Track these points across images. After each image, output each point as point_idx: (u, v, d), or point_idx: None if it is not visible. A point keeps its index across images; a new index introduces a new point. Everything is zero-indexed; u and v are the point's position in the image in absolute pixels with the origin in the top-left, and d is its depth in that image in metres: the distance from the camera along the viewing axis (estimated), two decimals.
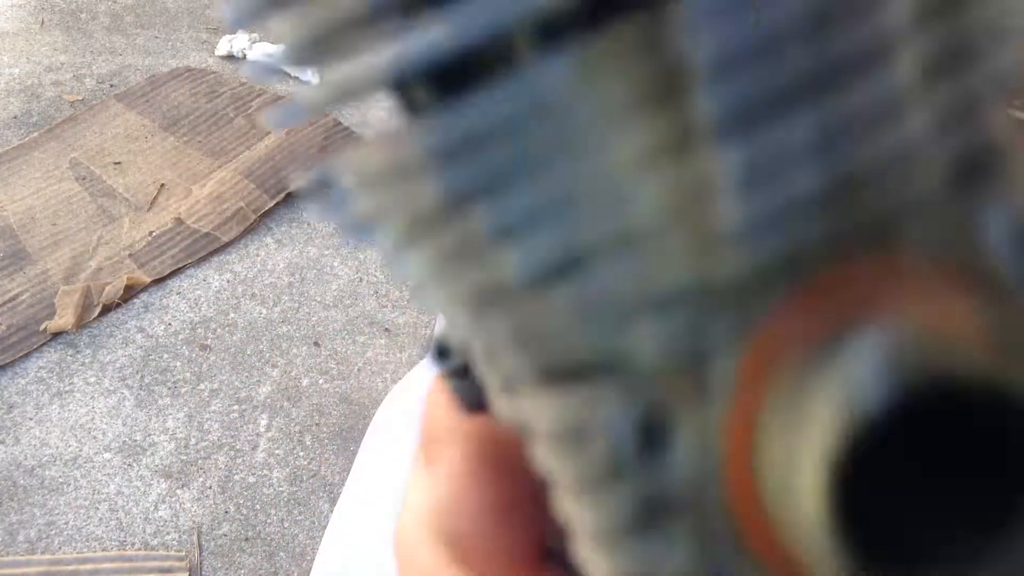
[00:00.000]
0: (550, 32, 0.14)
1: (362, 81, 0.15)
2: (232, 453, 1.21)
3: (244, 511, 1.16)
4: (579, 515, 0.16)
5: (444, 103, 0.15)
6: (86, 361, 1.31)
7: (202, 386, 1.29)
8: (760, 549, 0.15)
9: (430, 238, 0.15)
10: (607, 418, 0.15)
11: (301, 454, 1.22)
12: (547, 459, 0.16)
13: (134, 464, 1.20)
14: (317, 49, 0.16)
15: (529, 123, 0.14)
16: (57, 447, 1.21)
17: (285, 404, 1.27)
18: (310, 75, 1.79)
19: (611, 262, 0.14)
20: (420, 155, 0.15)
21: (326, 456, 1.22)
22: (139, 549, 1.12)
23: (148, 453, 1.21)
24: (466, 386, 0.21)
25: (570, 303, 0.15)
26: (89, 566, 1.10)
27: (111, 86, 1.77)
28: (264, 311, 1.39)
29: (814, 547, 0.13)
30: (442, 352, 0.22)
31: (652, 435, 0.15)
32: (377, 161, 0.16)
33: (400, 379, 1.26)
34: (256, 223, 1.50)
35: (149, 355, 1.32)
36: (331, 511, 1.16)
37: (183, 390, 1.28)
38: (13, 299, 1.36)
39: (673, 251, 0.14)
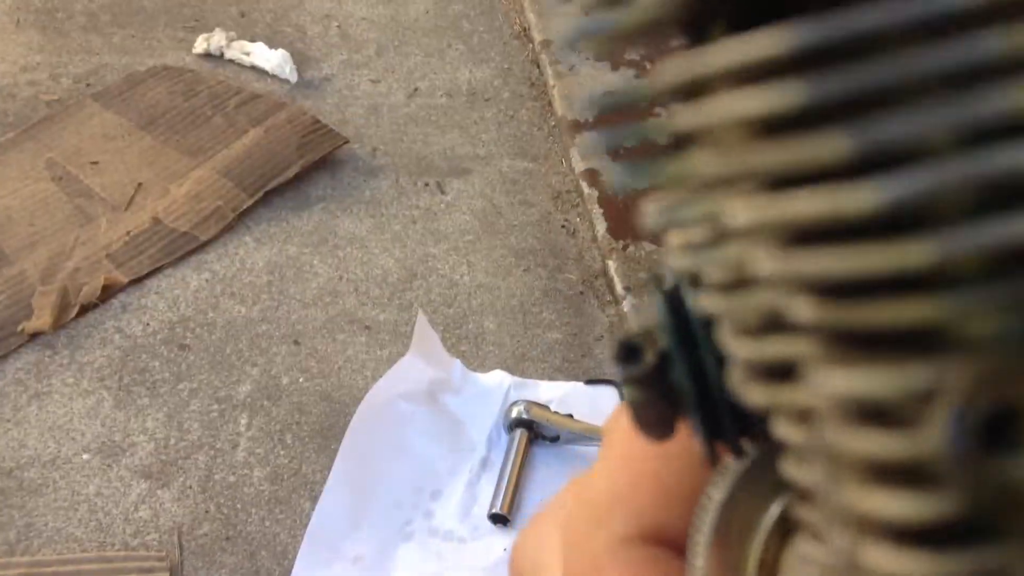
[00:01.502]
0: None
1: None
2: (212, 453, 1.21)
3: (225, 510, 1.16)
4: (881, 506, 0.14)
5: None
6: (64, 362, 1.30)
7: (181, 386, 1.28)
8: None
9: (763, 155, 0.14)
10: (946, 396, 0.13)
11: (282, 453, 1.22)
12: (845, 438, 0.14)
13: (113, 465, 1.20)
14: None
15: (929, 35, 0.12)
16: (36, 448, 1.21)
17: (265, 403, 1.27)
18: (288, 72, 1.79)
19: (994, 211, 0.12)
20: (785, 55, 0.13)
21: (307, 454, 1.22)
22: (119, 550, 1.12)
23: (127, 453, 1.21)
24: (652, 397, 0.19)
25: (926, 254, 0.13)
26: (69, 567, 1.10)
27: (88, 85, 1.76)
28: (243, 310, 1.39)
29: None
30: (631, 352, 0.19)
31: (998, 426, 0.13)
32: (719, 62, 0.14)
33: (380, 376, 1.26)
34: (234, 222, 1.50)
35: (127, 355, 1.31)
36: (312, 509, 1.16)
37: (162, 390, 1.28)
38: None
39: None
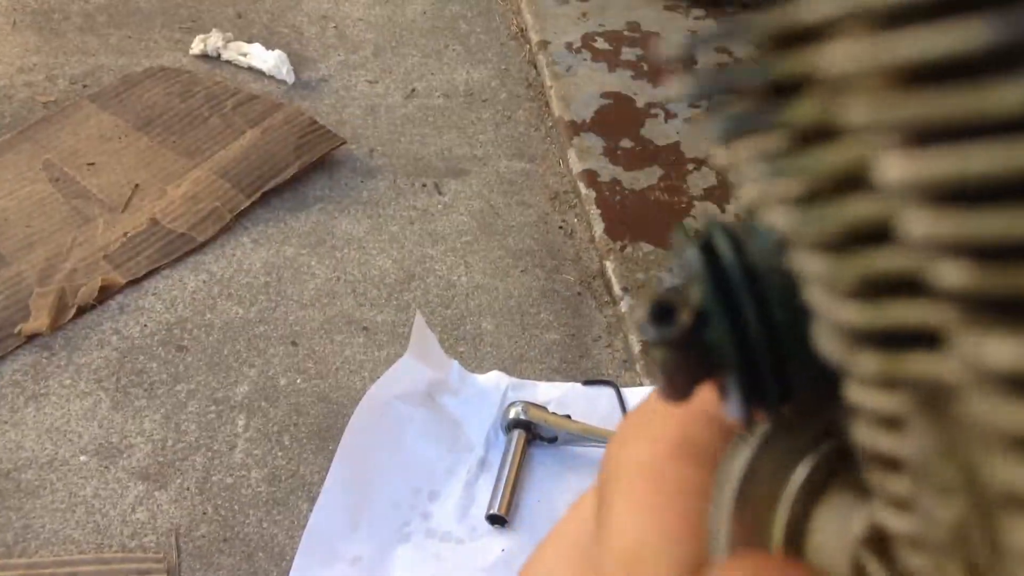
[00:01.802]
0: None
1: None
2: (210, 454, 1.21)
3: (222, 512, 1.16)
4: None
5: None
6: (61, 363, 1.30)
7: (179, 387, 1.28)
8: None
9: (939, 100, 0.12)
10: None
11: (279, 454, 1.22)
12: (996, 410, 0.13)
13: (111, 466, 1.19)
14: None
15: None
16: (33, 450, 1.20)
17: (263, 404, 1.27)
18: (285, 73, 1.78)
19: None
20: None
21: (304, 456, 1.22)
22: (117, 551, 1.12)
23: (125, 455, 1.21)
24: (684, 359, 0.17)
25: None
26: (67, 569, 1.10)
27: (84, 87, 1.75)
28: (241, 311, 1.38)
29: None
30: (664, 312, 0.17)
31: None
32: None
33: (378, 377, 1.26)
34: (232, 223, 1.50)
35: (125, 356, 1.31)
36: (310, 510, 1.15)
37: (159, 391, 1.28)
38: None
39: None
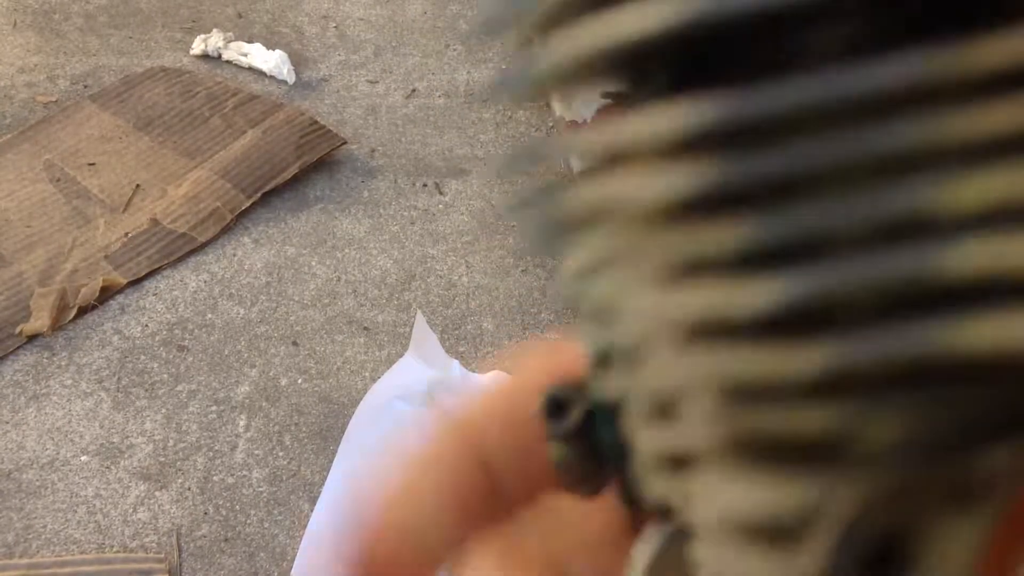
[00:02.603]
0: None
1: (596, 52, 0.12)
2: (211, 454, 1.21)
3: (223, 512, 1.16)
4: None
5: (724, 80, 0.12)
6: (62, 364, 1.30)
7: (180, 387, 1.28)
8: None
9: (665, 241, 0.13)
10: (831, 519, 0.12)
11: (280, 454, 1.22)
12: (722, 555, 0.13)
13: (112, 466, 1.19)
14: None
15: (840, 122, 0.11)
16: (34, 450, 1.20)
17: (264, 404, 1.27)
18: (285, 73, 1.78)
19: (895, 314, 0.11)
20: (690, 134, 0.12)
21: (305, 456, 1.22)
22: (118, 551, 1.12)
23: (126, 455, 1.21)
24: (578, 455, 0.17)
25: (823, 360, 0.12)
26: (68, 569, 1.10)
27: (85, 87, 1.75)
28: (242, 311, 1.38)
29: None
30: (558, 406, 0.17)
31: (886, 549, 0.12)
32: (625, 138, 0.13)
33: (379, 378, 1.26)
34: (233, 223, 1.50)
35: (126, 357, 1.31)
36: (311, 511, 1.15)
37: (161, 391, 1.28)
38: None
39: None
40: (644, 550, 0.18)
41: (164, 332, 1.35)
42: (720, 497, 0.13)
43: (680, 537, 0.18)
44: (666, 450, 0.14)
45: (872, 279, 0.11)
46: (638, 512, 0.18)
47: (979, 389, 0.11)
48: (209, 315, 1.38)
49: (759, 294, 0.12)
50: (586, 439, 0.17)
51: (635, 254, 0.13)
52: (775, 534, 0.12)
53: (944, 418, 0.12)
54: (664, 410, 0.14)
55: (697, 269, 0.12)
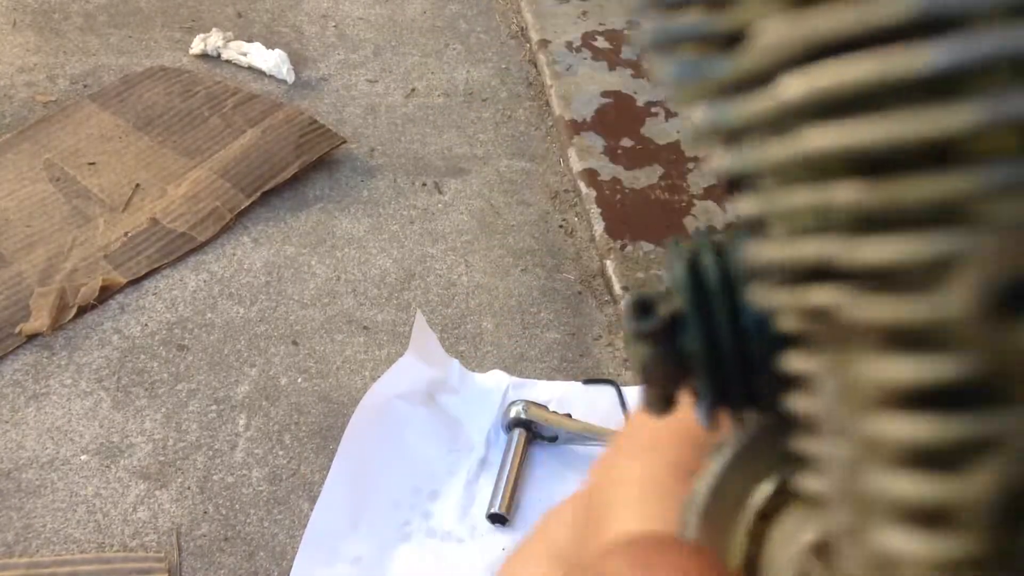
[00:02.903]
0: None
1: None
2: (211, 453, 1.21)
3: (223, 511, 1.16)
4: (898, 370, 0.14)
5: None
6: (62, 363, 1.30)
7: (180, 386, 1.28)
8: None
9: (831, 15, 0.13)
10: (975, 266, 0.13)
11: (280, 453, 1.22)
12: (866, 308, 0.14)
13: (112, 466, 1.20)
14: None
15: None
16: (34, 450, 1.20)
17: (263, 403, 1.27)
18: (285, 72, 1.78)
19: None
20: None
21: (305, 455, 1.22)
22: (118, 551, 1.12)
23: (126, 454, 1.21)
24: (661, 356, 0.19)
25: (970, 116, 0.13)
26: (67, 568, 1.10)
27: (84, 86, 1.76)
28: (241, 310, 1.38)
29: None
30: (644, 308, 0.19)
31: (1019, 294, 0.13)
32: None
33: (378, 377, 1.26)
34: (232, 222, 1.50)
35: (126, 356, 1.31)
36: (311, 510, 1.16)
37: (160, 391, 1.28)
38: None
39: None
40: (705, 476, 0.19)
41: (164, 331, 1.35)
42: (861, 253, 0.14)
43: (737, 464, 0.19)
44: (802, 256, 0.14)
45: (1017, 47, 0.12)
46: (715, 415, 0.19)
47: None
48: (209, 314, 1.38)
49: (925, 57, 0.12)
50: (669, 342, 0.18)
51: (798, 35, 0.14)
52: (916, 283, 0.13)
53: None
54: (810, 223, 0.14)
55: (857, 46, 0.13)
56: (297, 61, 1.84)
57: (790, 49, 0.14)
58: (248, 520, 1.15)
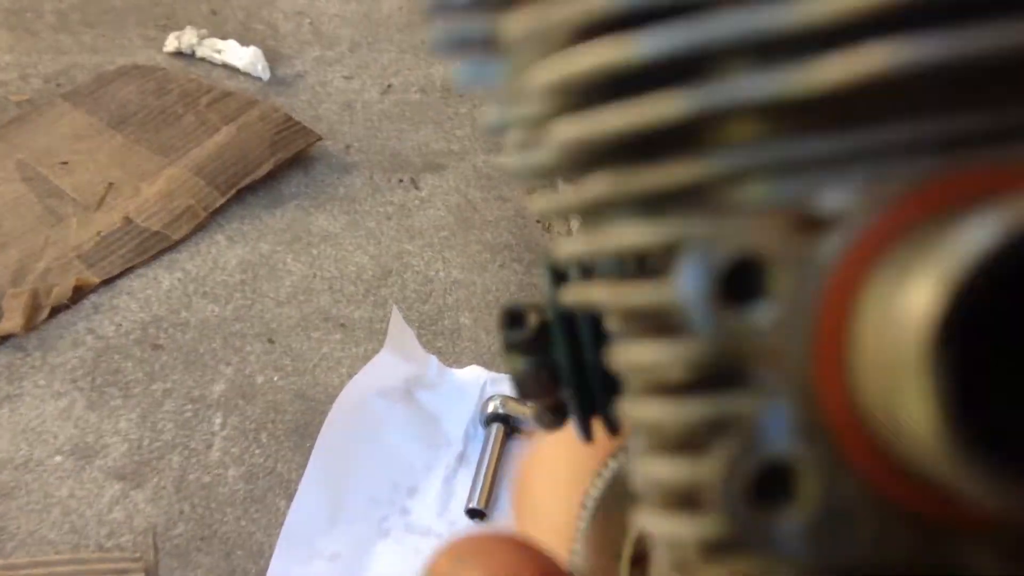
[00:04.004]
0: None
1: None
2: (186, 453, 1.20)
3: (199, 511, 1.15)
4: (635, 356, 0.14)
5: None
6: (36, 364, 1.29)
7: (155, 386, 1.27)
8: (837, 429, 0.13)
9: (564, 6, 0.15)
10: (690, 249, 0.13)
11: (257, 452, 1.21)
12: (612, 295, 0.15)
13: (86, 466, 1.19)
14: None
15: None
16: (7, 451, 1.19)
17: (240, 402, 1.26)
18: (260, 69, 1.78)
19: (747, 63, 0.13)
20: None
21: (282, 453, 1.21)
22: (93, 551, 1.11)
23: (101, 455, 1.20)
24: (533, 366, 0.19)
25: (684, 104, 0.13)
26: (43, 570, 1.09)
27: (58, 85, 1.74)
28: (216, 309, 1.38)
29: (910, 424, 0.12)
30: (514, 319, 0.19)
31: (742, 277, 0.13)
32: None
33: (355, 374, 1.25)
34: (207, 220, 1.49)
35: (100, 356, 1.30)
36: (288, 508, 1.15)
37: (135, 391, 1.27)
38: None
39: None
40: (599, 481, 0.19)
41: (138, 331, 1.34)
42: (614, 236, 0.15)
43: (623, 479, 0.19)
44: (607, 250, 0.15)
45: (734, 31, 0.13)
46: (588, 425, 0.19)
47: (825, 130, 0.13)
48: (183, 313, 1.37)
49: (639, 44, 0.13)
50: (542, 351, 0.18)
51: (537, 25, 0.15)
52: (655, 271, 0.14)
53: (793, 154, 0.13)
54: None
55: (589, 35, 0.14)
56: (272, 58, 1.83)
57: (538, 45, 0.15)
58: (225, 519, 1.14)
